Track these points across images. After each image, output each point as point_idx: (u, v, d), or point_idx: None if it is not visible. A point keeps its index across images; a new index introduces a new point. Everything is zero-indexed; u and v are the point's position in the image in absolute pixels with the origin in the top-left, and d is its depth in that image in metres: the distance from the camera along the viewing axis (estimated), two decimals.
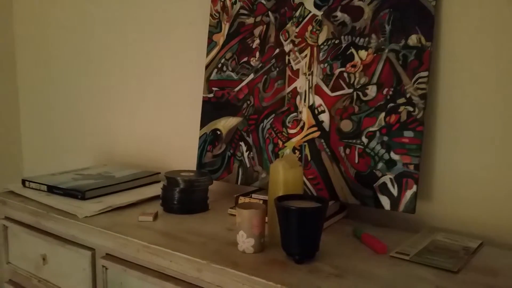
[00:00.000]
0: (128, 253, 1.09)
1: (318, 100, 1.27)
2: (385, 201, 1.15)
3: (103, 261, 1.15)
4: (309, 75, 1.29)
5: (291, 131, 1.31)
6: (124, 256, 1.12)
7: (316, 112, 1.27)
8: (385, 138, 1.16)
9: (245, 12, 1.43)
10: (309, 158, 1.27)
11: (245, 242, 0.99)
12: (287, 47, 1.33)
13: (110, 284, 1.16)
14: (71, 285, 1.27)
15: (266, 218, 1.03)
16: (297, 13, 1.32)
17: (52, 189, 1.40)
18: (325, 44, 1.27)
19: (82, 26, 2.00)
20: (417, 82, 1.13)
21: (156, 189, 1.48)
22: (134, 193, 1.43)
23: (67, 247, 1.25)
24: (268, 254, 0.99)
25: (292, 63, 1.32)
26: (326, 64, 1.26)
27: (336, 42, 1.25)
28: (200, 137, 1.49)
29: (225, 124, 1.44)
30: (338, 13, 1.25)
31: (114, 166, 1.75)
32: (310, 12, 1.30)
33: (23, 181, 1.49)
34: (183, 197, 1.27)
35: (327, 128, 1.25)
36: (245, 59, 1.42)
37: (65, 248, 1.26)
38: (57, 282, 1.31)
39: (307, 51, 1.29)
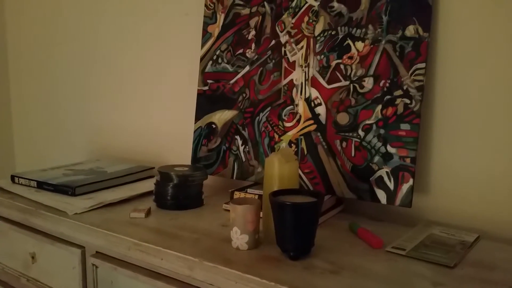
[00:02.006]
0: (119, 251, 1.06)
1: (314, 93, 1.24)
2: (382, 195, 1.13)
3: (93, 259, 1.12)
4: (305, 67, 1.26)
5: (288, 124, 1.28)
6: (114, 254, 1.09)
7: (313, 104, 1.24)
8: (382, 131, 1.14)
9: (241, 2, 1.39)
10: (306, 152, 1.24)
11: (239, 238, 0.96)
12: (283, 38, 1.30)
13: (100, 282, 1.13)
14: (60, 284, 1.24)
15: (261, 213, 1.01)
16: (293, 4, 1.29)
17: (42, 185, 1.37)
18: (321, 35, 1.24)
19: (73, 18, 1.97)
20: (414, 73, 1.10)
21: (149, 185, 1.44)
22: (127, 189, 1.40)
23: (57, 245, 1.22)
24: (263, 250, 0.96)
25: (288, 55, 1.29)
26: (322, 56, 1.23)
27: (332, 33, 1.22)
28: (194, 131, 1.46)
29: (221, 117, 1.41)
30: (335, 4, 1.22)
31: (107, 161, 1.72)
32: (306, 2, 1.26)
33: (12, 177, 1.45)
34: (177, 192, 1.24)
35: (323, 121, 1.22)
36: (241, 50, 1.38)
37: (54, 246, 1.22)
38: (47, 281, 1.28)
39: (304, 43, 1.26)
